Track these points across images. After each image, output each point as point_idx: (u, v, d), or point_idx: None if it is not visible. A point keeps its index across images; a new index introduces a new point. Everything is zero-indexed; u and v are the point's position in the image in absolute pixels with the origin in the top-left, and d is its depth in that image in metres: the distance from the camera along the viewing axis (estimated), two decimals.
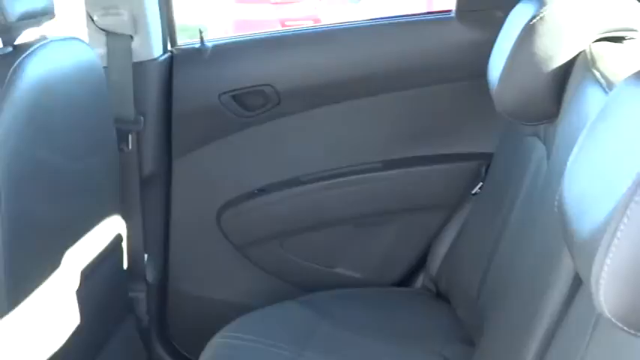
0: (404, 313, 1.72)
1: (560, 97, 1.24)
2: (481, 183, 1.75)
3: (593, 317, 0.89)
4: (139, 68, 1.75)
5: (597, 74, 1.08)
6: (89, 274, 1.56)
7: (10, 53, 1.35)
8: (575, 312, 0.96)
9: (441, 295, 1.79)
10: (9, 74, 1.27)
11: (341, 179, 1.86)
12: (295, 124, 1.85)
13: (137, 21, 1.73)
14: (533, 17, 1.24)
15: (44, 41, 1.42)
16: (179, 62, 1.82)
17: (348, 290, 1.82)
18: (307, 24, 5.15)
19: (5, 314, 1.26)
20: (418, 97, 1.82)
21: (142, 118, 1.76)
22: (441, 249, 1.85)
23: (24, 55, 1.32)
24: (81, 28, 1.78)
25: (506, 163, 1.56)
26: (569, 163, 0.78)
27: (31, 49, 1.35)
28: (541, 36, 1.23)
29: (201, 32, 1.83)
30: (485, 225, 1.59)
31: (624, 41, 1.24)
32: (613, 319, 0.64)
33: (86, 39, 1.75)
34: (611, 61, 1.13)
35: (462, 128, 1.84)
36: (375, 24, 1.89)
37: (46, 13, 1.43)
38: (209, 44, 1.84)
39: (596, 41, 1.23)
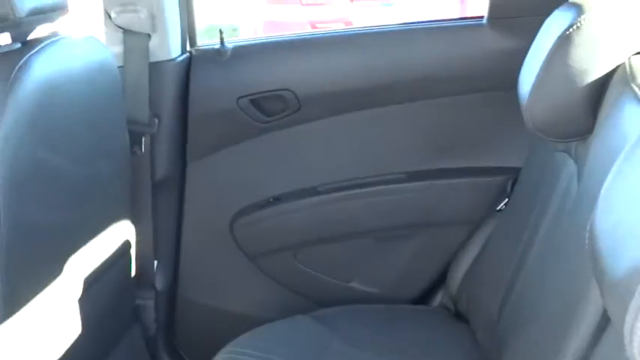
0: (420, 333, 1.65)
1: (595, 113, 1.16)
2: (507, 199, 1.67)
3: None
4: (156, 68, 1.70)
5: (637, 90, 1.00)
6: (95, 281, 1.51)
7: (17, 50, 1.30)
8: (602, 352, 0.88)
9: (460, 315, 1.72)
10: (14, 72, 1.21)
11: (360, 190, 1.80)
12: (315, 131, 1.79)
13: (155, 19, 1.68)
14: (570, 26, 1.16)
15: (54, 38, 1.37)
16: (197, 63, 1.77)
17: (363, 306, 1.76)
18: (338, 26, 5.10)
19: (1, 322, 1.21)
20: (445, 106, 1.76)
21: (156, 120, 1.71)
22: (462, 266, 1.77)
23: (31, 53, 1.27)
24: (99, 26, 1.73)
25: (534, 179, 1.49)
26: (603, 189, 0.70)
27: (40, 46, 1.30)
28: (577, 47, 1.15)
29: (221, 33, 1.78)
30: (508, 244, 1.51)
31: None
32: None
33: (104, 37, 1.70)
34: None
35: (490, 141, 1.77)
36: (402, 29, 1.82)
37: (59, 9, 1.37)
38: (229, 45, 1.78)
39: (636, 54, 1.15)
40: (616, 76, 1.13)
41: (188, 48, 1.79)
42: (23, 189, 1.23)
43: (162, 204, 1.80)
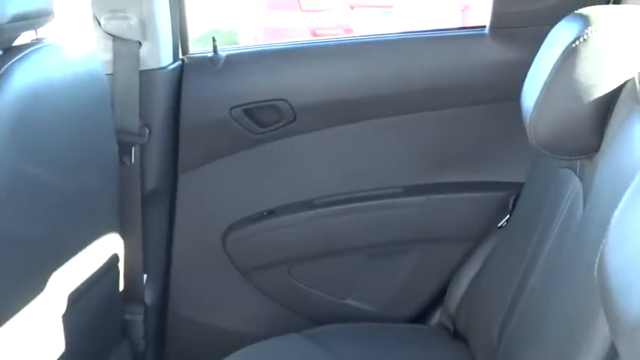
0: (418, 353, 1.60)
1: (602, 130, 1.10)
2: (508, 216, 1.61)
3: None
4: (147, 77, 1.65)
5: None
6: (81, 296, 1.47)
7: None
8: None
9: (458, 335, 1.67)
10: None
11: (357, 204, 1.75)
12: (311, 142, 1.74)
13: (146, 26, 1.63)
14: (576, 39, 1.10)
15: (39, 45, 1.32)
16: (190, 72, 1.72)
17: (358, 325, 1.71)
18: (338, 33, 5.06)
19: None
20: (445, 118, 1.71)
21: (147, 130, 1.66)
22: (461, 284, 1.73)
23: (13, 60, 1.22)
24: (88, 32, 1.69)
25: (537, 195, 1.43)
26: (614, 220, 0.65)
27: (23, 53, 1.25)
28: (584, 60, 1.09)
29: (214, 40, 1.73)
30: (510, 263, 1.46)
31: None
32: None
33: (92, 44, 1.66)
34: None
35: (491, 154, 1.72)
36: (401, 38, 1.77)
37: (44, 15, 1.32)
38: (222, 53, 1.73)
39: None
40: (624, 92, 1.07)
41: (180, 56, 1.74)
42: (4, 201, 1.19)
43: (153, 216, 1.75)
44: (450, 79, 1.68)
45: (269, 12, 5.85)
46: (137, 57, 1.64)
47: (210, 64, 1.72)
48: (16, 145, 1.20)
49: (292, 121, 1.71)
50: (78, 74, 1.42)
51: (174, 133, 1.73)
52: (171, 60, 1.70)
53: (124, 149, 1.62)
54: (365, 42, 1.77)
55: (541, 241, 1.32)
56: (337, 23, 5.71)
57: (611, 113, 1.09)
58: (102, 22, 1.63)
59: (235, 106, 1.70)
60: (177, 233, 1.80)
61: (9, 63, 1.21)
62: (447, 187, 1.73)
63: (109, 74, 1.61)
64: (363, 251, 1.78)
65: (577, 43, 1.10)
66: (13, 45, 1.30)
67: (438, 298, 1.79)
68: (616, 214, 0.66)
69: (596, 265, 0.69)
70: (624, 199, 0.66)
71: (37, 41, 1.34)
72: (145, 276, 1.77)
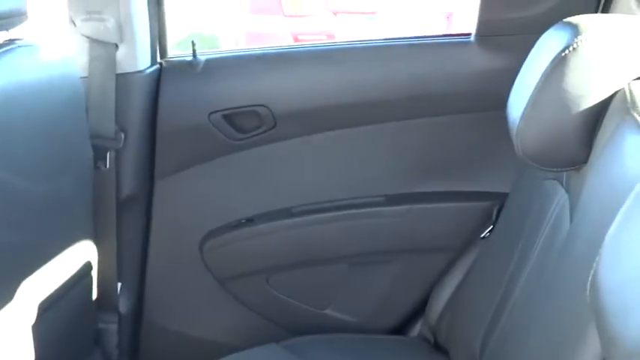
0: None
1: (591, 142, 1.08)
2: (492, 226, 1.59)
3: None
4: (123, 80, 1.61)
5: (639, 118, 0.92)
6: (52, 304, 1.43)
7: None
8: None
9: (439, 347, 1.64)
10: None
11: (337, 213, 1.72)
12: (291, 149, 1.71)
13: (123, 29, 1.59)
14: (566, 47, 1.07)
15: (11, 46, 1.28)
16: (168, 76, 1.69)
17: (337, 336, 1.69)
18: (321, 39, 5.02)
19: None
20: (428, 127, 1.68)
21: (122, 134, 1.62)
22: (443, 296, 1.70)
23: None
24: (63, 34, 1.64)
25: (522, 206, 1.41)
26: (608, 236, 0.62)
27: None
28: (573, 70, 1.07)
29: (193, 44, 1.69)
30: (493, 274, 1.44)
31: None
32: None
33: (68, 45, 1.62)
34: None
35: (475, 164, 1.70)
36: (384, 44, 1.74)
37: (17, 15, 1.28)
38: (201, 57, 1.69)
39: (636, 79, 1.06)
40: (614, 103, 1.05)
41: (158, 59, 1.70)
42: None
43: (128, 223, 1.71)
44: (434, 86, 1.66)
45: (251, 17, 5.82)
46: (113, 60, 1.60)
47: (189, 68, 1.68)
48: None
49: (272, 128, 1.68)
50: (52, 77, 1.38)
51: (151, 138, 1.69)
52: (149, 63, 1.67)
53: (98, 154, 1.59)
54: (348, 48, 1.74)
55: (525, 253, 1.29)
56: (320, 29, 5.69)
57: (601, 124, 1.07)
58: (78, 23, 1.59)
59: (214, 112, 1.67)
60: (153, 240, 1.76)
61: None
62: (430, 197, 1.71)
63: (84, 77, 1.57)
64: (343, 261, 1.75)
65: (566, 52, 1.07)
66: None
67: (419, 309, 1.76)
68: (610, 231, 0.63)
69: (588, 283, 0.66)
70: (619, 216, 0.63)
71: (10, 42, 1.30)
72: (119, 284, 1.73)
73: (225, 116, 1.67)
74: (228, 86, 1.68)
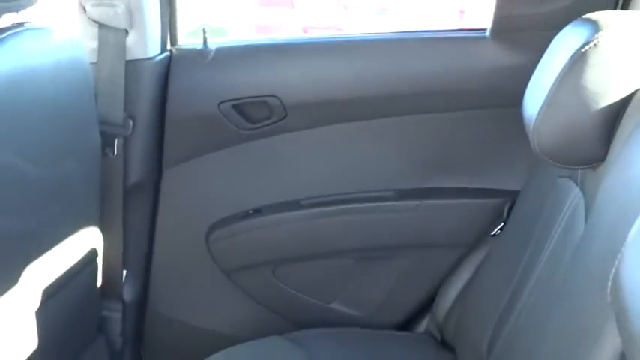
0: None
1: (609, 140, 1.06)
2: (502, 224, 1.57)
3: None
4: (133, 67, 1.59)
5: None
6: (57, 291, 1.42)
7: None
8: None
9: (445, 344, 1.63)
10: None
11: (346, 206, 1.70)
12: (301, 141, 1.69)
13: (133, 15, 1.57)
14: (585, 44, 1.06)
15: (19, 29, 1.26)
16: (178, 64, 1.67)
17: (342, 330, 1.68)
18: (330, 33, 5.00)
19: None
20: (440, 122, 1.66)
21: (131, 121, 1.61)
22: (451, 293, 1.69)
23: None
24: (73, 19, 1.63)
25: (534, 205, 1.39)
26: (632, 235, 0.60)
27: (1, 37, 1.20)
28: (592, 67, 1.05)
29: (204, 32, 1.67)
30: (502, 273, 1.42)
31: None
32: None
33: (78, 31, 1.60)
34: None
35: (487, 161, 1.68)
36: (398, 37, 1.72)
37: None
38: (212, 46, 1.67)
39: None
40: (634, 101, 1.03)
41: (168, 47, 1.69)
42: None
43: (134, 211, 1.69)
44: (447, 82, 1.64)
45: (260, 9, 5.81)
46: (123, 46, 1.59)
47: (199, 56, 1.66)
48: None
49: (282, 119, 1.66)
50: (60, 61, 1.37)
51: (160, 126, 1.68)
52: (158, 51, 1.65)
53: (106, 141, 1.57)
54: (360, 40, 1.72)
55: (536, 251, 1.28)
56: (329, 23, 5.68)
57: (620, 122, 1.05)
58: (87, 8, 1.58)
59: (224, 101, 1.65)
60: (160, 229, 1.75)
61: None
62: (441, 193, 1.69)
63: (93, 63, 1.55)
64: (350, 255, 1.74)
65: (586, 48, 1.06)
66: None
67: (426, 306, 1.75)
68: (633, 230, 0.62)
69: (609, 282, 0.64)
70: None
71: (18, 25, 1.28)
72: (124, 272, 1.72)
73: (234, 106, 1.66)
74: (238, 76, 1.66)
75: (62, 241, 1.42)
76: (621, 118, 1.05)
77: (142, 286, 1.77)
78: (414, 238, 1.71)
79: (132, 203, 1.68)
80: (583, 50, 1.06)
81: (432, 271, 1.72)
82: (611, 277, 0.65)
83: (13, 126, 1.21)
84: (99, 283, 1.63)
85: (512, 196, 1.57)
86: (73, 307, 1.53)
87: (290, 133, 1.68)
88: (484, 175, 1.68)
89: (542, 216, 1.30)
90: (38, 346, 1.37)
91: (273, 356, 1.51)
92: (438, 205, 1.68)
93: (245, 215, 1.73)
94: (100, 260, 1.61)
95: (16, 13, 1.27)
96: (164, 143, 1.69)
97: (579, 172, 1.19)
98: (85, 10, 1.58)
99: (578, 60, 1.06)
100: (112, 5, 1.55)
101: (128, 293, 1.73)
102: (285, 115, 1.66)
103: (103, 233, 1.60)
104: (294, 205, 1.71)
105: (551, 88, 1.09)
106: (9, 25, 1.26)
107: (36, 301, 1.35)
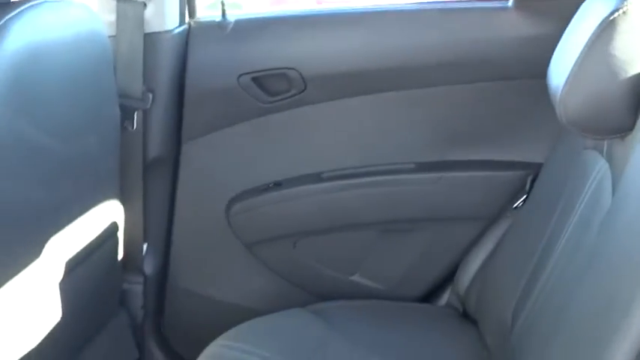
0: (424, 333, 1.56)
1: (638, 108, 1.04)
2: (525, 196, 1.56)
3: None
4: (151, 40, 1.58)
5: None
6: (78, 263, 1.42)
7: None
8: None
9: (467, 316, 1.62)
10: None
11: (367, 179, 1.69)
12: (321, 114, 1.68)
13: None
14: (614, 11, 1.04)
15: (37, 1, 1.25)
16: (196, 36, 1.66)
17: (364, 302, 1.67)
18: (348, 4, 4.94)
19: None
20: (462, 94, 1.64)
21: (150, 95, 1.60)
22: (473, 265, 1.68)
23: (9, 16, 1.16)
24: None
25: (558, 177, 1.37)
26: None
27: (20, 8, 1.19)
28: (622, 34, 1.03)
29: (223, 5, 1.66)
30: (525, 245, 1.41)
31: None
32: None
33: (96, 4, 1.59)
34: None
35: (509, 133, 1.66)
36: (419, 8, 1.70)
37: None
38: (231, 19, 1.66)
39: None
40: None
41: (187, 19, 1.67)
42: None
43: (154, 184, 1.69)
44: (469, 52, 1.62)
45: None
46: (142, 19, 1.58)
47: (217, 29, 1.65)
48: (12, 105, 1.15)
49: (302, 91, 1.65)
50: (79, 34, 1.36)
51: (179, 99, 1.67)
52: (177, 23, 1.64)
53: (126, 114, 1.57)
54: (381, 11, 1.70)
55: (561, 223, 1.26)
56: None
57: None
58: None
59: (243, 74, 1.64)
60: (180, 203, 1.75)
61: (5, 19, 1.14)
62: (462, 165, 1.68)
63: (111, 36, 1.55)
64: (371, 228, 1.73)
65: (615, 15, 1.04)
66: (11, 1, 1.23)
67: (448, 278, 1.75)
68: None
69: None
70: None
71: None
72: (145, 245, 1.72)
73: (254, 79, 1.65)
74: (257, 48, 1.65)
75: (84, 215, 1.42)
76: None
77: (163, 259, 1.78)
78: (435, 211, 1.70)
79: (152, 177, 1.68)
80: (612, 18, 1.04)
81: (453, 243, 1.71)
82: None
83: (34, 98, 1.21)
84: (120, 256, 1.64)
85: (535, 169, 1.56)
86: (95, 280, 1.54)
87: (309, 106, 1.67)
88: (507, 147, 1.66)
89: (566, 188, 1.29)
90: (61, 318, 1.37)
91: (295, 328, 1.51)
92: (460, 178, 1.67)
93: (265, 188, 1.72)
94: (120, 234, 1.61)
95: None
96: (183, 116, 1.69)
97: (605, 142, 1.17)
98: None
99: (607, 28, 1.05)
100: None
101: (149, 266, 1.73)
102: (305, 88, 1.65)
103: (123, 207, 1.60)
104: (315, 177, 1.70)
105: (578, 57, 1.08)
106: None
107: (59, 274, 1.36)
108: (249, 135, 1.70)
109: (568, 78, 1.09)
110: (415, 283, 1.75)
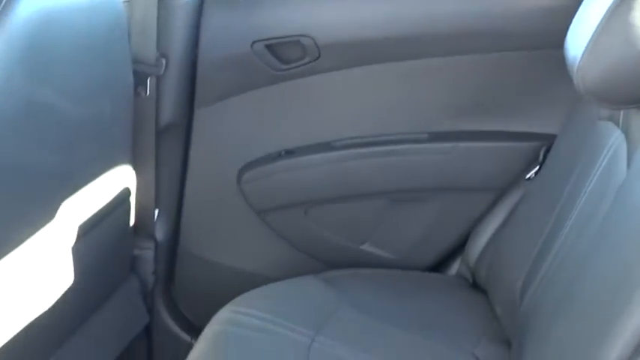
0: (435, 303, 1.57)
1: None
2: (538, 167, 1.55)
3: None
4: (165, 6, 1.57)
5: None
6: (91, 228, 1.43)
7: None
8: None
9: (477, 287, 1.63)
10: (4, 0, 1.10)
11: (379, 148, 1.68)
12: (334, 82, 1.67)
13: None
14: None
15: None
16: (211, 2, 1.64)
17: (374, 271, 1.68)
18: None
19: None
20: (477, 64, 1.63)
21: (163, 61, 1.60)
22: (483, 236, 1.67)
23: None
24: None
25: (572, 147, 1.37)
26: None
27: None
28: None
29: None
30: (537, 217, 1.41)
31: None
32: None
33: None
34: None
35: (523, 104, 1.64)
36: None
37: None
38: None
39: None
40: None
41: None
42: (13, 125, 1.14)
43: (167, 150, 1.69)
44: (485, 22, 1.60)
45: None
46: None
47: None
48: (26, 69, 1.15)
49: (316, 59, 1.64)
50: None
51: (192, 65, 1.66)
52: None
53: (139, 80, 1.57)
54: None
55: (574, 194, 1.26)
56: None
57: None
58: None
59: (257, 41, 1.63)
60: (192, 169, 1.75)
61: None
62: (476, 135, 1.66)
63: (125, 1, 1.53)
64: (382, 197, 1.73)
65: None
66: None
67: (458, 249, 1.74)
68: None
69: None
70: None
71: None
72: (156, 211, 1.73)
73: (268, 46, 1.63)
74: (272, 15, 1.64)
75: (96, 180, 1.43)
76: None
77: (174, 225, 1.78)
78: (447, 180, 1.69)
79: (164, 143, 1.68)
80: None
81: (464, 214, 1.71)
82: None
83: (48, 64, 1.21)
84: (131, 222, 1.65)
85: (549, 140, 1.55)
86: (107, 244, 1.55)
87: (323, 74, 1.66)
88: (520, 118, 1.65)
89: (580, 158, 1.28)
90: (72, 283, 1.39)
91: (306, 294, 1.52)
92: (473, 148, 1.66)
93: (277, 156, 1.72)
94: (132, 199, 1.62)
95: None
96: (196, 83, 1.68)
97: (621, 113, 1.17)
98: None
99: None
100: None
101: (160, 232, 1.74)
102: (319, 56, 1.63)
103: (135, 173, 1.60)
104: (327, 146, 1.70)
105: (597, 27, 1.07)
106: None
107: (70, 238, 1.37)
108: (262, 102, 1.69)
109: (586, 48, 1.08)
110: (425, 252, 1.75)
